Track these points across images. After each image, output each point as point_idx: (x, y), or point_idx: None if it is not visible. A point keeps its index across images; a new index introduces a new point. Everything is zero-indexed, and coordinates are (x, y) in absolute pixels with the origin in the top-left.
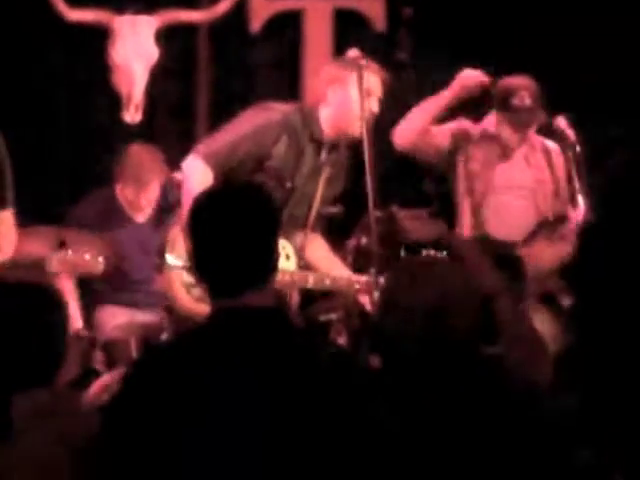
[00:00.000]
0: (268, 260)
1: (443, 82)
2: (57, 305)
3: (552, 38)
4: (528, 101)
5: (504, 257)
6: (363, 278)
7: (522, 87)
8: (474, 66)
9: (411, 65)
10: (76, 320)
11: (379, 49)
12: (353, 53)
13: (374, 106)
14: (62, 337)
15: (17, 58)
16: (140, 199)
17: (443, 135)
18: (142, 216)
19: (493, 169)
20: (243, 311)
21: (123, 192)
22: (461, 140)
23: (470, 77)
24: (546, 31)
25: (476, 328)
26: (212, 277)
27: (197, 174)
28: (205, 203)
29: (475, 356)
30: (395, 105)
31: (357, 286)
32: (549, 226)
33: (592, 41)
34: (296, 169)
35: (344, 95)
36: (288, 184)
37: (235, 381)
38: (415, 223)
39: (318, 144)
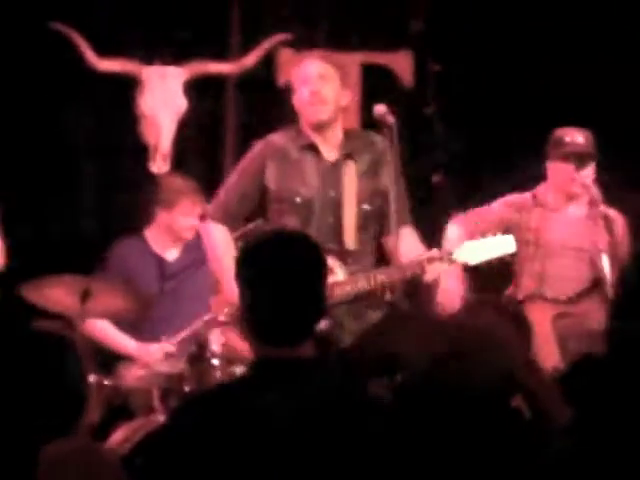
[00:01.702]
0: (319, 309)
1: (469, 137)
2: (75, 355)
3: (578, 91)
4: (581, 139)
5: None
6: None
7: (574, 129)
8: (500, 121)
9: (438, 120)
10: (125, 348)
11: (407, 104)
12: (380, 108)
13: (315, 86)
14: (81, 386)
15: (45, 107)
16: (175, 222)
17: (491, 224)
18: (171, 254)
19: (548, 232)
20: (293, 362)
21: (154, 231)
22: (513, 215)
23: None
24: (574, 85)
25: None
26: (263, 326)
27: (212, 235)
28: (255, 252)
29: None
30: (423, 159)
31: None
32: (603, 288)
33: None
34: (299, 183)
35: (295, 95)
36: (297, 199)
37: (282, 435)
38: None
39: (313, 148)
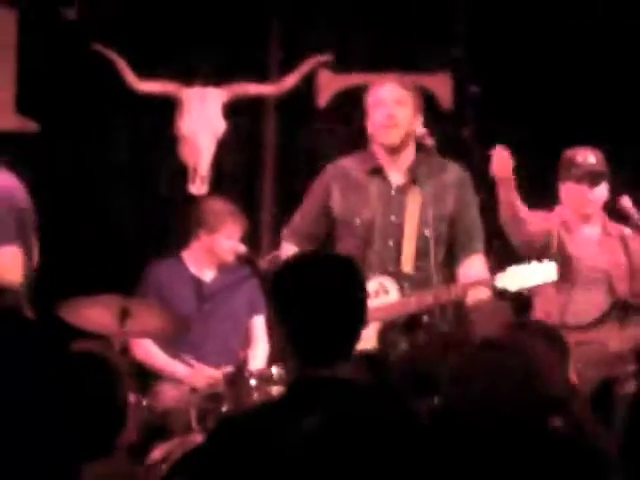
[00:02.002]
0: (358, 329)
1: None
2: (115, 374)
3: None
4: (592, 158)
5: (549, 339)
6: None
7: (585, 149)
8: (539, 143)
9: (476, 142)
10: (174, 373)
11: (446, 126)
12: (420, 130)
13: (390, 110)
14: (122, 406)
15: (87, 128)
16: (217, 244)
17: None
18: (208, 275)
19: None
20: (332, 381)
21: (193, 252)
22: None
23: (500, 167)
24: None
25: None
26: (304, 345)
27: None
28: (295, 273)
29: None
30: None
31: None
32: (622, 309)
33: None
34: (362, 205)
35: (368, 116)
36: (357, 221)
37: (322, 457)
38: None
39: (380, 172)
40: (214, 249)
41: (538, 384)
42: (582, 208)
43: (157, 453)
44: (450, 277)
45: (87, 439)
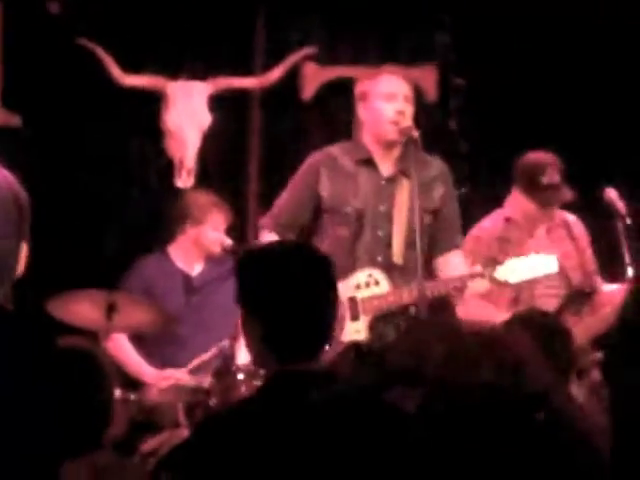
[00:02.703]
0: (332, 322)
1: (492, 152)
2: (102, 369)
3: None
4: (556, 178)
5: (553, 329)
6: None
7: (549, 164)
8: (524, 135)
9: (462, 134)
10: (141, 374)
11: (431, 118)
12: (405, 123)
13: (401, 106)
14: (107, 401)
15: (70, 123)
16: (204, 236)
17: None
18: (196, 269)
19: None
20: (310, 374)
21: (179, 246)
22: (484, 253)
23: None
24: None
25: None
26: (281, 342)
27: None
28: (266, 271)
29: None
30: None
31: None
32: (575, 301)
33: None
34: (351, 194)
35: (369, 107)
36: (348, 209)
37: (305, 448)
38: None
39: (370, 163)
40: (200, 241)
41: (521, 377)
42: (537, 220)
43: (145, 447)
44: (427, 267)
45: (73, 434)
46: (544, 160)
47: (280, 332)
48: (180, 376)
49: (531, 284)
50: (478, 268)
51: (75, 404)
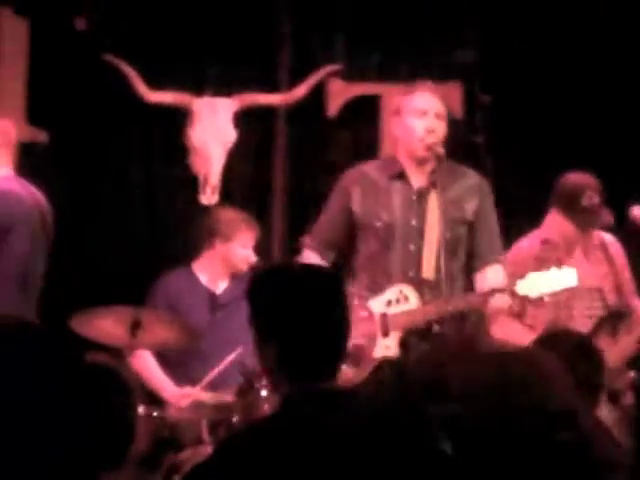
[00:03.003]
0: (345, 343)
1: (518, 167)
2: (126, 386)
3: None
4: (596, 200)
5: (582, 349)
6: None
7: (589, 186)
8: (550, 152)
9: (488, 149)
10: (163, 391)
11: (456, 134)
12: (431, 139)
13: (432, 123)
14: (131, 418)
15: (98, 140)
16: (232, 253)
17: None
18: (221, 286)
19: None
20: (327, 394)
21: (205, 263)
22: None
23: None
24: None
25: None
26: (296, 364)
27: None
28: (277, 287)
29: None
30: None
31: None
32: (610, 322)
33: None
34: (383, 208)
35: (402, 122)
36: (377, 224)
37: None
38: None
39: (402, 177)
40: (229, 258)
41: (546, 397)
42: (575, 241)
43: (168, 464)
44: (468, 284)
45: (97, 452)
46: (584, 182)
47: (294, 353)
48: (200, 394)
49: (569, 304)
50: (503, 281)
51: (100, 421)
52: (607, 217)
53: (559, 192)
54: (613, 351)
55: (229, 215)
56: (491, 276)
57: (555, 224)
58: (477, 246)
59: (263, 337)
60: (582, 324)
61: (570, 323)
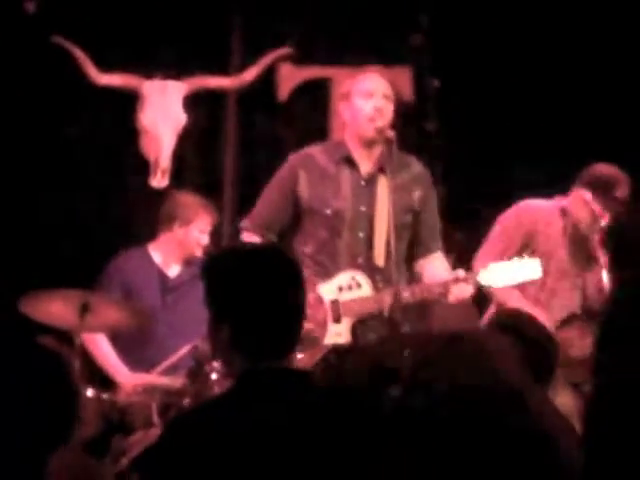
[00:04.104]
0: (301, 321)
1: (468, 151)
2: (66, 368)
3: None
4: (627, 195)
5: (536, 340)
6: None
7: (624, 180)
8: (501, 135)
9: (438, 134)
10: (116, 374)
11: (407, 119)
12: (381, 121)
13: (380, 103)
14: (73, 399)
15: (46, 122)
16: (189, 237)
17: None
18: (174, 270)
19: (562, 249)
20: (281, 373)
21: (161, 245)
22: (531, 232)
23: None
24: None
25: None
26: (253, 341)
27: None
28: (234, 271)
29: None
30: None
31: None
32: (585, 317)
33: None
34: (331, 194)
35: (350, 105)
36: (327, 211)
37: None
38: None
39: (350, 162)
40: (186, 242)
41: (496, 378)
42: (585, 220)
43: (117, 448)
44: (409, 271)
45: (42, 433)
46: (621, 175)
47: (248, 333)
48: (153, 378)
49: (553, 286)
50: (461, 273)
51: (37, 403)
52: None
53: (594, 177)
54: (581, 345)
55: (189, 200)
56: (437, 264)
57: (580, 204)
58: (421, 234)
59: (216, 317)
60: (559, 310)
61: (549, 305)
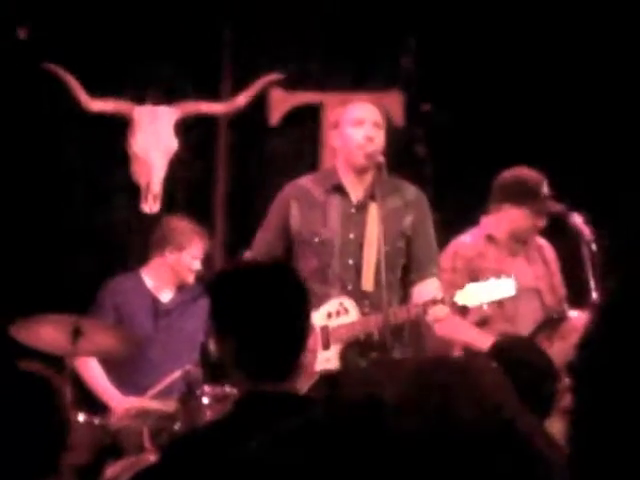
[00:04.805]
0: (303, 343)
1: (459, 176)
2: (55, 393)
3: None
4: (547, 190)
5: (527, 362)
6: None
7: (539, 176)
8: (491, 161)
9: (429, 159)
10: (107, 398)
11: (397, 143)
12: (370, 148)
13: (370, 132)
14: (62, 424)
15: (37, 148)
16: (182, 263)
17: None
18: (166, 295)
19: (502, 268)
20: (280, 396)
21: (153, 270)
22: (471, 268)
23: None
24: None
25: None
26: (254, 361)
27: None
28: (235, 283)
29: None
30: None
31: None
32: (549, 326)
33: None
34: (320, 224)
35: (339, 133)
36: (316, 240)
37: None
38: None
39: (340, 190)
40: (178, 267)
41: (487, 405)
42: (524, 236)
43: (109, 472)
44: (404, 296)
45: (25, 460)
46: (536, 174)
47: (252, 351)
48: (145, 402)
49: (515, 303)
50: (439, 295)
51: (25, 429)
52: (556, 205)
53: (513, 186)
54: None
55: (182, 225)
56: (429, 289)
57: (505, 220)
58: (414, 259)
59: (221, 333)
60: (524, 324)
61: (514, 322)
